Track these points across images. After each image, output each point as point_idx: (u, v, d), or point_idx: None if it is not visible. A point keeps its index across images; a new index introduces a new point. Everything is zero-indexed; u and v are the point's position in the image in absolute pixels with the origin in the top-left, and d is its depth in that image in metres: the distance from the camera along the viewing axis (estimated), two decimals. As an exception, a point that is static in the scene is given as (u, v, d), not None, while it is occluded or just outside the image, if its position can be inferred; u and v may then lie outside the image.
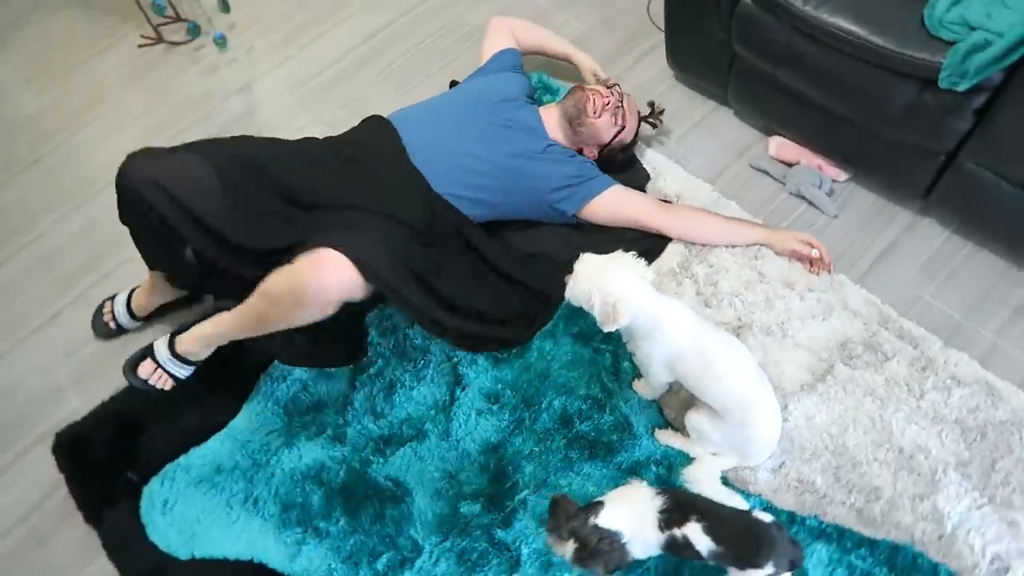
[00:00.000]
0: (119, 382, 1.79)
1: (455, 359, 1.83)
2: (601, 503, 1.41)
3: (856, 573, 1.51)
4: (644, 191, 2.05)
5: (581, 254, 1.53)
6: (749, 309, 1.83)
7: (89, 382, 1.93)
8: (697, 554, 1.36)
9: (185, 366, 1.74)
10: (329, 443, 1.76)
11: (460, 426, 1.75)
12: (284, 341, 1.66)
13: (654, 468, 1.66)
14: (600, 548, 1.34)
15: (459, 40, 2.50)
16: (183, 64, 2.58)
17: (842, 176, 2.03)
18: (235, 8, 2.64)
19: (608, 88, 2.01)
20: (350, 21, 2.61)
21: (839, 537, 1.55)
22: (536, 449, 1.71)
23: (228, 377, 1.87)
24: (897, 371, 1.72)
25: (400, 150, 1.86)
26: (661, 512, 1.37)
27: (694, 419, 1.60)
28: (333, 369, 1.85)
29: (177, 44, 2.62)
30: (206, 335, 1.70)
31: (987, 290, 1.85)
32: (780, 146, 2.09)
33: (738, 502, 1.54)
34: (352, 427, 1.78)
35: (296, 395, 1.83)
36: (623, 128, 1.98)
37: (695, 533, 1.34)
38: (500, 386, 1.79)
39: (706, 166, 2.12)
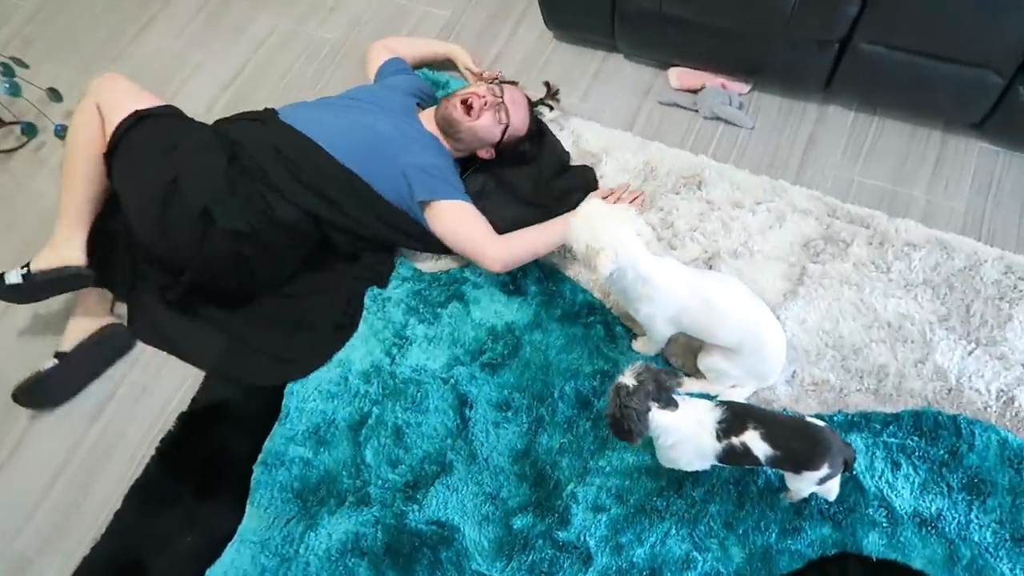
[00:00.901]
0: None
1: (452, 380, 1.77)
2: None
3: (892, 450, 1.59)
4: (594, 185, 1.98)
5: (590, 197, 1.51)
6: (711, 239, 1.87)
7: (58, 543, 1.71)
8: (755, 460, 1.38)
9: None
10: (354, 509, 1.66)
11: (482, 444, 1.69)
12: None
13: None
14: (631, 427, 1.35)
15: (325, 60, 2.36)
16: (29, 169, 2.28)
17: (745, 88, 2.09)
18: (67, 93, 2.36)
19: (488, 84, 1.94)
20: (196, 78, 2.39)
21: (866, 423, 1.63)
22: (565, 440, 1.68)
23: (214, 483, 1.72)
24: (860, 253, 1.81)
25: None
26: (719, 423, 1.39)
27: (708, 361, 1.62)
28: (330, 436, 1.74)
29: (13, 150, 2.31)
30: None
31: (904, 155, 1.97)
32: (680, 75, 2.12)
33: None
34: (373, 485, 1.68)
35: (301, 474, 1.71)
36: (508, 124, 1.90)
37: (753, 440, 1.37)
38: (506, 392, 1.74)
39: (619, 115, 2.12)
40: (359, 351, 1.84)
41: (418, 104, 2.02)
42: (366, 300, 1.91)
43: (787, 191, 1.91)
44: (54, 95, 2.33)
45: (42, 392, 1.83)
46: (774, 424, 1.40)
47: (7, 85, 2.21)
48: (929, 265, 1.78)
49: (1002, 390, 1.63)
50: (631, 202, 1.88)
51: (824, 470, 1.39)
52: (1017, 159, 1.93)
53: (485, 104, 1.87)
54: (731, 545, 1.53)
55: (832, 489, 1.48)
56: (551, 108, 2.09)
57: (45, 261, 1.79)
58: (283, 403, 1.80)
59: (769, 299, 1.76)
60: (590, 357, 1.76)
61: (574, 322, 1.80)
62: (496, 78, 2.04)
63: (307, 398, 1.79)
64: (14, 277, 1.78)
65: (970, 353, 1.67)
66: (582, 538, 1.57)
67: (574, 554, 1.56)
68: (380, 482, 1.68)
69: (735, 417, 1.40)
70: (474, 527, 1.61)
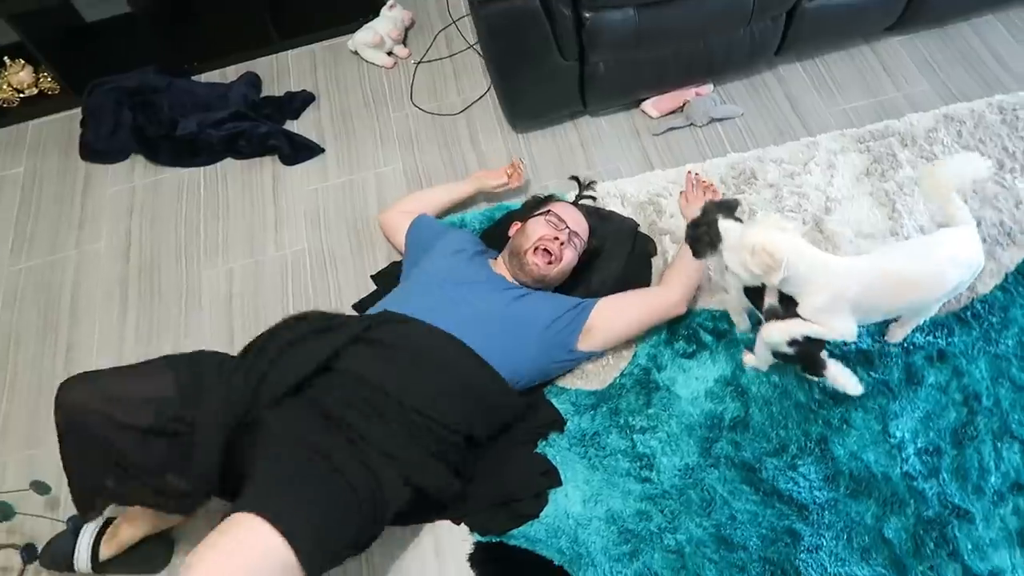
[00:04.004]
0: None
1: (720, 458, 1.67)
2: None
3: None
4: (652, 256, 2.00)
5: (722, 230, 1.51)
6: (801, 212, 1.99)
7: None
8: None
9: None
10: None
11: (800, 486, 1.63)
12: None
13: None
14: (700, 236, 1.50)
15: (315, 266, 2.12)
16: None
17: (710, 88, 2.27)
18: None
19: (541, 215, 1.85)
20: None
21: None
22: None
23: None
24: (906, 156, 2.06)
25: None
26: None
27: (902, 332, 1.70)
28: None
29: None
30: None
31: (859, 73, 2.28)
32: (656, 104, 2.24)
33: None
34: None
35: None
36: (584, 247, 1.88)
37: None
38: (773, 435, 1.69)
39: (633, 163, 2.19)
40: (614, 497, 1.67)
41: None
42: (562, 452, 1.74)
43: (817, 143, 2.11)
44: (41, 488, 1.80)
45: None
46: None
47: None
48: (952, 136, 2.08)
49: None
50: (707, 188, 1.97)
51: None
52: (930, 35, 2.33)
53: (562, 245, 1.80)
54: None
55: None
56: (593, 199, 2.08)
57: None
58: (589, 599, 1.57)
59: (883, 228, 1.93)
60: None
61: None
62: (551, 196, 1.98)
63: (608, 575, 1.58)
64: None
65: (1041, 177, 1.98)
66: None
67: (952, 523, 1.56)
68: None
69: None
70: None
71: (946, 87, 2.20)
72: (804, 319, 1.51)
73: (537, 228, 1.82)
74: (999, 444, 1.64)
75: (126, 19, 2.69)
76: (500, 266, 1.87)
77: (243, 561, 1.20)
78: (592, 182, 2.08)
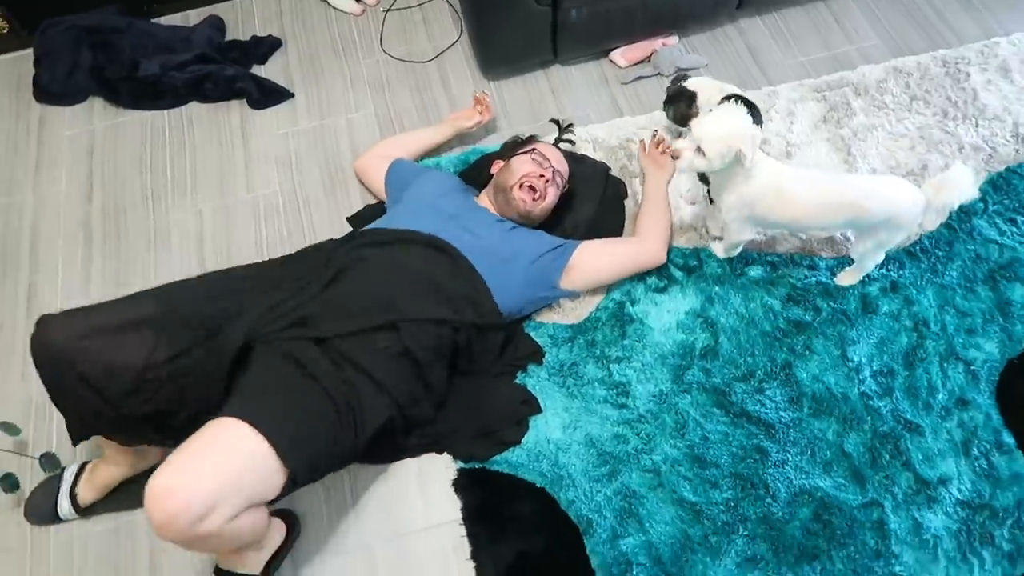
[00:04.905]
0: None
1: (691, 384, 1.76)
2: None
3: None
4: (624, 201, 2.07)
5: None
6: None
7: None
8: None
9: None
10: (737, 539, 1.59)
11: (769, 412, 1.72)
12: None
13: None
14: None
15: (289, 209, 2.10)
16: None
17: (675, 40, 2.34)
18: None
19: (524, 153, 1.90)
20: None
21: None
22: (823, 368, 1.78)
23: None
24: (860, 105, 2.17)
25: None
26: None
27: (862, 248, 1.79)
28: (640, 509, 1.63)
29: None
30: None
31: (814, 27, 2.38)
32: (624, 54, 2.30)
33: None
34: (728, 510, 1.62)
35: (650, 555, 1.58)
36: (566, 185, 1.94)
37: None
38: (737, 363, 1.79)
39: (603, 109, 2.24)
40: (592, 423, 1.73)
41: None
42: (541, 382, 1.79)
43: (777, 92, 2.21)
44: (10, 429, 1.76)
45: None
46: None
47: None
48: (901, 87, 2.20)
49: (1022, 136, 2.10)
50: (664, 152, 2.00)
51: None
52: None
53: (547, 182, 1.85)
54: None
55: None
56: (572, 143, 2.12)
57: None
58: (570, 516, 1.63)
59: (840, 171, 2.04)
60: (770, 290, 1.87)
61: (734, 278, 1.90)
62: (533, 136, 2.02)
63: (588, 494, 1.65)
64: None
65: (976, 126, 2.12)
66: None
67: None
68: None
69: None
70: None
71: (894, 41, 2.33)
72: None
73: (522, 165, 1.85)
74: (945, 365, 1.77)
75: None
76: (484, 201, 1.90)
77: (227, 461, 1.22)
78: (570, 125, 2.12)
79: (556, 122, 2.11)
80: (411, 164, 2.01)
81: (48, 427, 1.81)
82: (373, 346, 1.52)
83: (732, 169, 1.64)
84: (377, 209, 2.03)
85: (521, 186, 1.83)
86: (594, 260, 1.83)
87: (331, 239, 1.89)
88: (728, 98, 1.90)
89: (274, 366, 1.42)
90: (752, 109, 1.81)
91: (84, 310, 1.43)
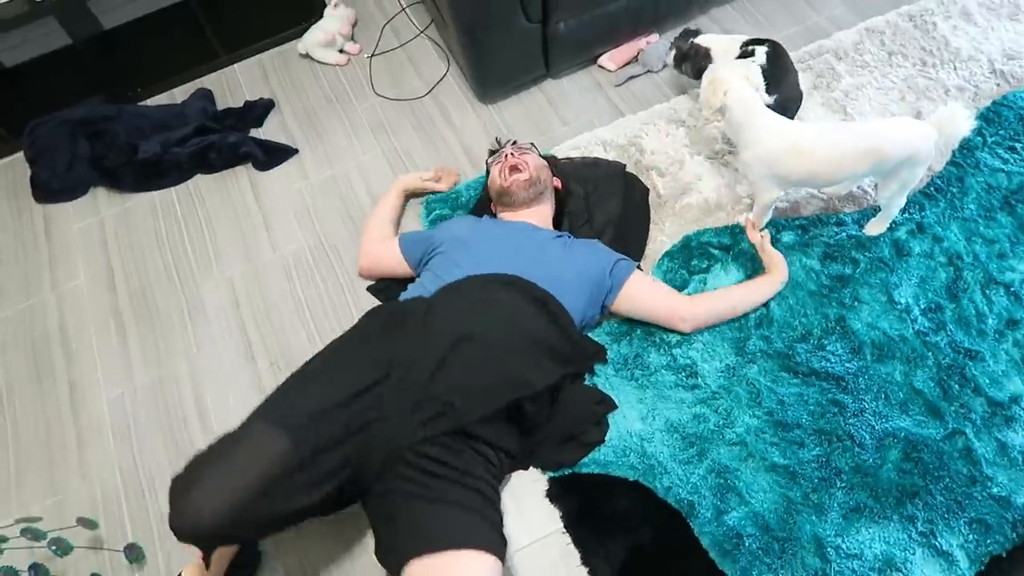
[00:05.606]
0: None
1: (755, 352, 1.80)
2: None
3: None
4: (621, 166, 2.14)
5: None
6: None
7: None
8: None
9: None
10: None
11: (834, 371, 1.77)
12: None
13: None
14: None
15: (319, 261, 2.10)
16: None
17: (655, 37, 2.43)
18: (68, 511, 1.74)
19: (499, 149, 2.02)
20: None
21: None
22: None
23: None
24: (844, 68, 2.27)
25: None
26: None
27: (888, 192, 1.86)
28: (737, 482, 1.64)
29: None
30: None
31: (781, 5, 2.49)
32: (612, 57, 2.37)
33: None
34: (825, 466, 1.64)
35: (761, 536, 1.59)
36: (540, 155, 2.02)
37: None
38: (795, 326, 1.83)
39: (603, 114, 2.30)
40: (669, 409, 1.75)
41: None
42: (610, 380, 1.81)
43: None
44: (89, 524, 1.70)
45: None
46: None
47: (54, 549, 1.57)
48: (877, 45, 2.32)
49: (999, 70, 2.22)
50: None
51: None
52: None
53: (513, 156, 1.94)
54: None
55: None
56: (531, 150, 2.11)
57: None
58: (669, 502, 1.64)
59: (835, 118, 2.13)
60: (807, 251, 1.94)
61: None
62: (510, 141, 2.06)
63: (683, 478, 1.66)
64: None
65: (955, 69, 2.23)
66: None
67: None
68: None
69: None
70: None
71: (857, 5, 2.45)
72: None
73: (494, 167, 1.97)
74: (987, 291, 1.84)
75: (53, 57, 2.58)
76: (507, 216, 1.93)
77: None
78: (513, 141, 2.07)
79: (498, 140, 2.10)
80: (419, 232, 2.00)
81: (120, 518, 1.75)
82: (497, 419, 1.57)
83: (739, 125, 1.80)
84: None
85: (503, 176, 1.91)
86: (641, 294, 1.82)
87: (393, 300, 1.79)
88: (748, 43, 2.06)
89: (424, 481, 1.44)
90: (774, 48, 2.02)
91: (215, 469, 1.32)
